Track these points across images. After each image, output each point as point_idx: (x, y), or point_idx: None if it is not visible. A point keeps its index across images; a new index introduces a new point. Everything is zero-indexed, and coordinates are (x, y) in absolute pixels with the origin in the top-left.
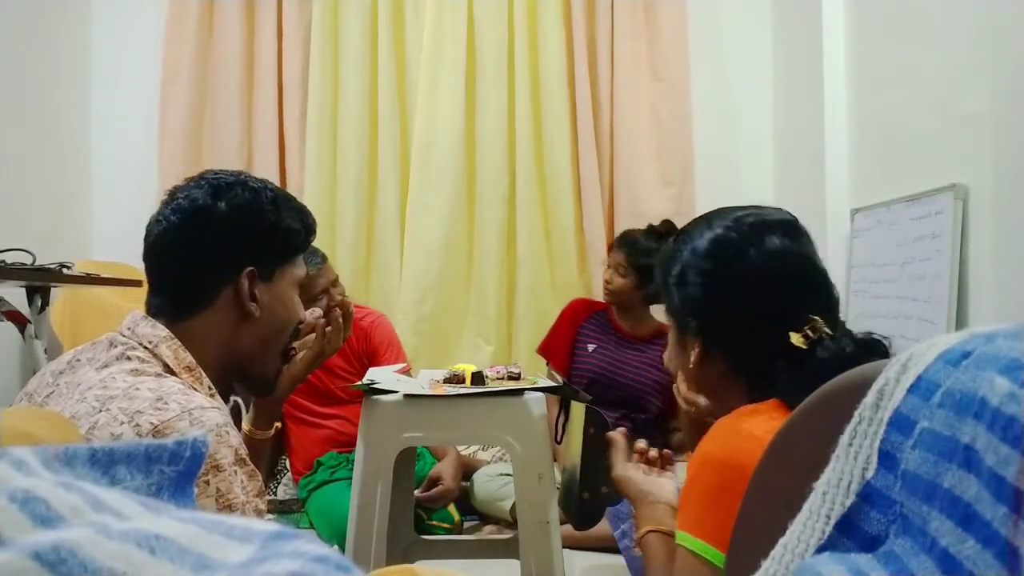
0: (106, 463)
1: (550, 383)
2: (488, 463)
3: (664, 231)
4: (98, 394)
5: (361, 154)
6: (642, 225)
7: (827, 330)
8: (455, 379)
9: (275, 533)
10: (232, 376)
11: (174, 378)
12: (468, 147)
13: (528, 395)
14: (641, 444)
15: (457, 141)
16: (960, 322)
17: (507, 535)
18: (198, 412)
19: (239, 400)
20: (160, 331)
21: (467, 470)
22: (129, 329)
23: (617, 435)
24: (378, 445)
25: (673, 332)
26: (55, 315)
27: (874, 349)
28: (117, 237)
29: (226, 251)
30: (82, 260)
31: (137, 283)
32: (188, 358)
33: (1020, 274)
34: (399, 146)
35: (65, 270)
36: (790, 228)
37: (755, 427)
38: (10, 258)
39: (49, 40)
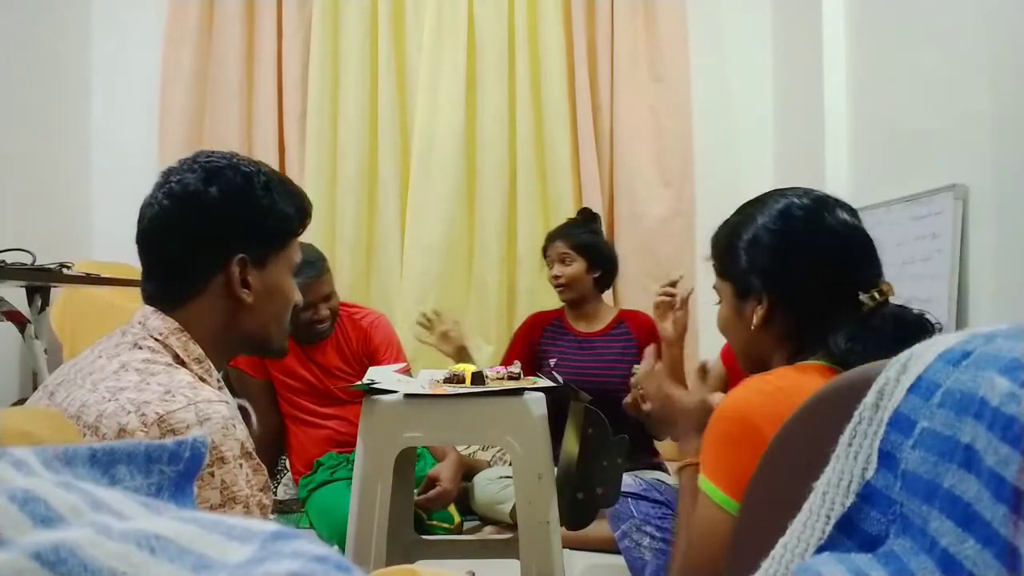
0: (106, 463)
1: (550, 383)
2: (488, 463)
3: (587, 217)
4: (110, 385)
5: (361, 154)
6: (642, 224)
7: (889, 293)
8: (455, 379)
9: (275, 533)
10: (240, 352)
11: (184, 370)
12: (468, 147)
13: (528, 395)
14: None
15: (457, 141)
16: (960, 322)
17: (507, 535)
18: (204, 405)
19: (246, 404)
20: (170, 323)
21: (468, 471)
22: (140, 323)
23: (648, 354)
24: (378, 445)
25: (730, 298)
26: (55, 315)
27: (926, 326)
28: (117, 237)
29: (216, 238)
30: (82, 260)
31: (137, 283)
32: (197, 351)
33: (1020, 274)
34: (399, 146)
35: (65, 270)
36: (852, 209)
37: (771, 382)
38: (10, 258)
39: (49, 40)
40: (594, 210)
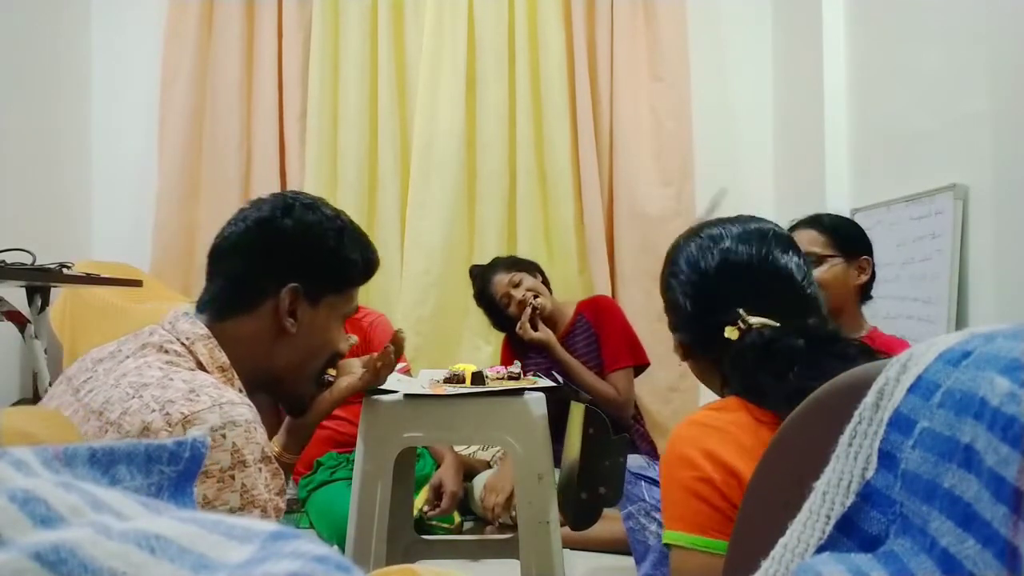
0: (106, 463)
1: (550, 383)
2: (488, 463)
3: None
4: (132, 381)
5: (361, 154)
6: (642, 224)
7: (753, 321)
8: (455, 379)
9: (275, 533)
10: (264, 389)
11: (207, 374)
12: (468, 147)
13: (528, 395)
14: None
15: (457, 141)
16: (960, 322)
17: (507, 535)
18: (228, 407)
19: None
20: (199, 329)
21: (467, 470)
22: (170, 324)
23: None
24: (378, 445)
25: None
26: (55, 315)
27: (806, 332)
28: (117, 237)
29: (276, 263)
30: (82, 260)
31: (137, 283)
32: (222, 358)
33: (1020, 274)
34: (399, 146)
35: (65, 270)
36: (747, 235)
37: (704, 416)
38: (10, 258)
39: (49, 40)
40: (595, 207)
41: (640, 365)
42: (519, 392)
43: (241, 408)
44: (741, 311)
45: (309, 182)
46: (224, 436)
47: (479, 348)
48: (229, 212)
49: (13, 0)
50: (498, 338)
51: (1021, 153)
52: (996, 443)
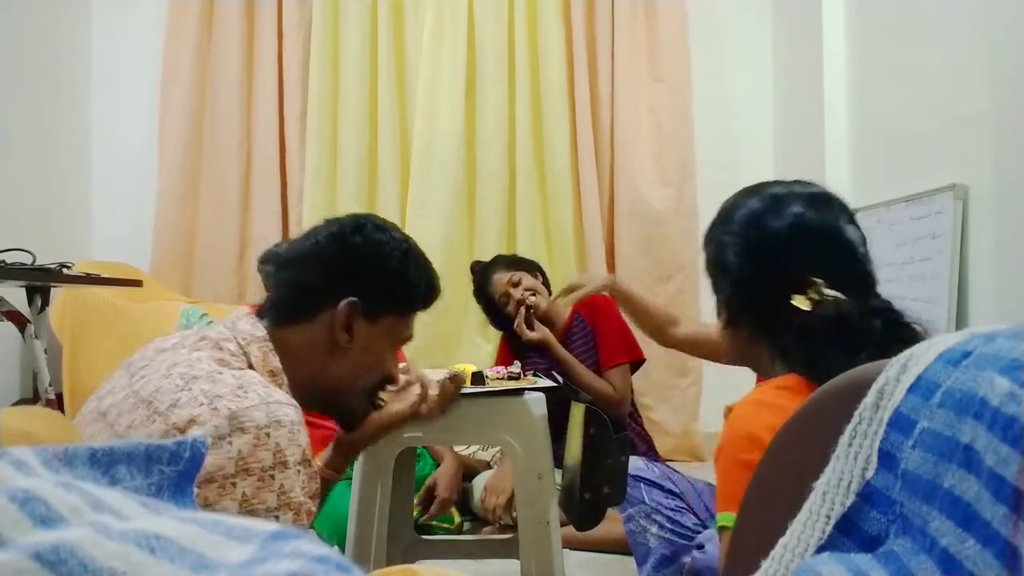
0: (106, 463)
1: (550, 383)
2: (488, 463)
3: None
4: (183, 372)
5: (361, 154)
6: (642, 224)
7: (831, 292)
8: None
9: (275, 533)
10: (318, 402)
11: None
12: (468, 147)
13: (528, 395)
14: None
15: (457, 141)
16: (960, 322)
17: (507, 535)
18: (275, 406)
19: None
20: (258, 331)
21: (467, 471)
22: (231, 322)
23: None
24: (378, 445)
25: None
26: (55, 315)
27: (883, 313)
28: (117, 237)
29: (338, 275)
30: (82, 260)
31: (137, 283)
32: (275, 362)
33: (1020, 274)
34: (399, 146)
35: (65, 270)
36: (816, 199)
37: (768, 392)
38: (10, 258)
39: (49, 40)
40: (595, 207)
41: (636, 361)
42: (519, 392)
43: (287, 408)
44: (819, 281)
45: (309, 182)
46: (268, 435)
47: (479, 347)
48: (229, 212)
49: (13, 0)
50: (498, 337)
51: (1021, 153)
52: (996, 443)
